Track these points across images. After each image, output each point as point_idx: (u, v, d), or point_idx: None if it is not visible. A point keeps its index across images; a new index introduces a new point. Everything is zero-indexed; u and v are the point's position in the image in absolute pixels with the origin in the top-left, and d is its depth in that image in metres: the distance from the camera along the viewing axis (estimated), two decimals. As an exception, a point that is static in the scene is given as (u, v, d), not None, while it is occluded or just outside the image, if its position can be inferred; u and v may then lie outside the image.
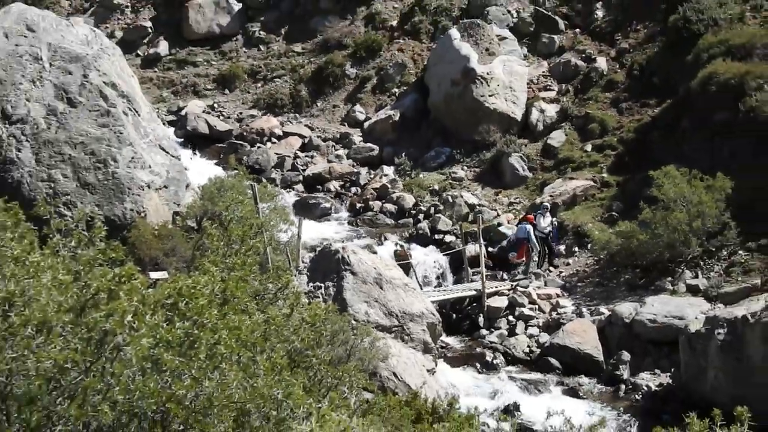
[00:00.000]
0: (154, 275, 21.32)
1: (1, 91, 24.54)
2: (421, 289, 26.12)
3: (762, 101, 26.92)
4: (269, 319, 5.69)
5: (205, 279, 5.19)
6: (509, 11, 34.27)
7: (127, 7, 38.42)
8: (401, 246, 28.50)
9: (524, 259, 27.57)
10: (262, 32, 37.16)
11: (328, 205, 31.13)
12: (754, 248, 25.67)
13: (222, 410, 4.67)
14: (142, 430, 4.58)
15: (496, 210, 29.60)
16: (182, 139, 32.26)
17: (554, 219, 27.88)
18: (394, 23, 35.65)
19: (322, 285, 23.81)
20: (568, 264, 27.99)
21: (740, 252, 25.75)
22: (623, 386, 23.57)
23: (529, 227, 27.32)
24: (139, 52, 36.46)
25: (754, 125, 26.97)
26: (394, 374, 20.47)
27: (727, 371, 21.89)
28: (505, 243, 28.12)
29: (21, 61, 25.06)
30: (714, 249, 25.94)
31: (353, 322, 21.21)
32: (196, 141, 33.27)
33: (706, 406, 21.40)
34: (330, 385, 8.90)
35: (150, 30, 37.71)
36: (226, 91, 35.85)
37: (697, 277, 25.76)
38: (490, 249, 27.87)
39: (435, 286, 27.25)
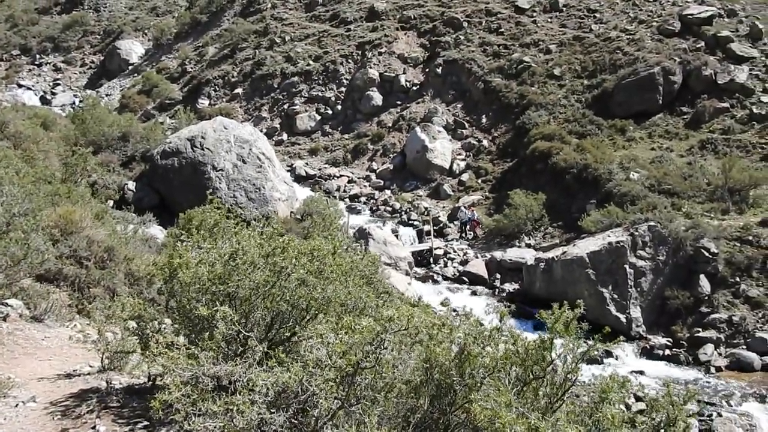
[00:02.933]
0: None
1: (213, 156, 24.52)
2: (404, 245, 26.04)
3: (558, 161, 26.87)
4: (353, 260, 5.62)
5: (323, 242, 5.12)
6: (443, 119, 34.02)
7: (268, 119, 38.19)
8: (395, 226, 28.43)
9: (477, 229, 27.34)
10: (329, 129, 36.90)
11: (360, 208, 31.04)
12: (555, 227, 25.70)
13: (335, 304, 4.63)
14: (298, 313, 4.53)
15: (437, 210, 29.41)
16: (293, 178, 32.00)
17: (474, 212, 27.70)
18: (390, 124, 35.37)
19: (359, 244, 23.75)
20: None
21: (549, 228, 25.71)
22: (497, 290, 23.55)
23: (475, 213, 27.32)
24: (273, 138, 36.18)
25: (554, 170, 26.96)
26: (393, 285, 20.40)
27: (545, 282, 21.88)
28: (459, 222, 27.80)
29: (221, 142, 25.05)
30: (537, 227, 25.86)
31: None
32: (300, 179, 33.13)
33: (534, 298, 21.28)
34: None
35: (278, 128, 37.53)
36: (313, 156, 35.63)
37: (530, 239, 25.69)
38: (434, 227, 27.68)
39: (410, 244, 27.01)
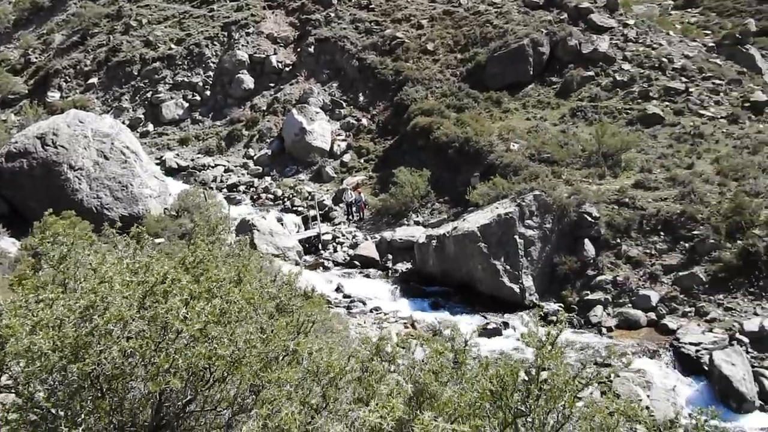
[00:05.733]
0: (157, 241, 19.37)
1: (69, 154, 21.78)
2: (290, 234, 24.69)
3: (439, 136, 26.51)
4: (264, 285, 4.34)
5: (224, 270, 3.75)
6: (320, 99, 32.72)
7: (129, 109, 35.01)
8: (278, 214, 26.96)
9: (364, 211, 26.39)
10: (199, 116, 34.46)
11: (239, 198, 29.22)
12: (442, 202, 25.37)
13: (250, 358, 3.18)
14: (197, 379, 3.12)
15: (321, 193, 28.21)
16: (164, 172, 29.43)
17: (360, 193, 26.85)
18: (264, 108, 33.57)
19: (243, 237, 22.16)
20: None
21: (436, 204, 25.34)
22: (390, 271, 22.85)
23: (361, 194, 26.46)
24: (138, 130, 33.22)
25: (436, 146, 26.59)
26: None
27: (438, 259, 21.41)
28: (345, 204, 26.80)
29: (77, 138, 22.33)
30: (425, 204, 25.41)
31: (261, 254, 19.79)
32: (172, 172, 30.67)
33: (428, 276, 20.72)
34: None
35: (142, 119, 34.52)
36: (184, 147, 33.15)
37: (418, 217, 25.19)
38: (320, 212, 26.48)
39: (297, 231, 25.68)
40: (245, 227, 22.83)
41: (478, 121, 26.86)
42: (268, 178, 30.32)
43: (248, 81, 34.62)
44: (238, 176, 30.93)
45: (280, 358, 3.22)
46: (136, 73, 36.31)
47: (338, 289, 21.54)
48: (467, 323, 19.47)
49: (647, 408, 14.42)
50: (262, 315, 3.74)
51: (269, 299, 4.24)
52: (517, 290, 19.99)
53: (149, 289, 3.12)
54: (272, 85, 34.49)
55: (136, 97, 35.54)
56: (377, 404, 2.49)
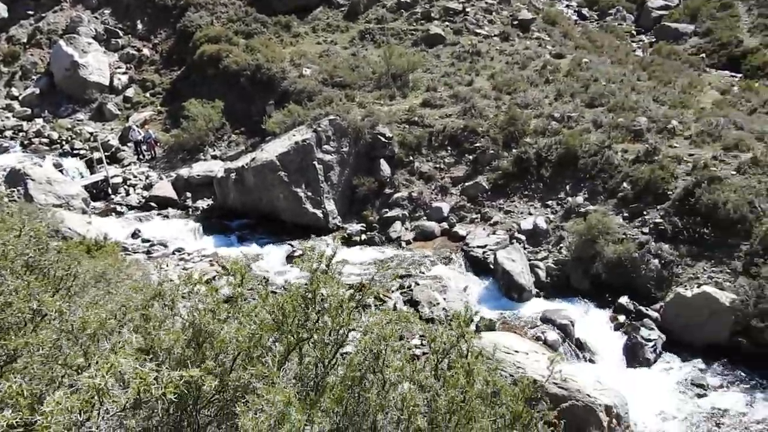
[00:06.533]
0: None
1: None
2: (73, 180, 22.54)
3: (229, 64, 25.45)
4: (5, 242, 3.78)
5: None
6: (91, 29, 29.40)
7: None
8: (57, 159, 24.37)
9: (155, 149, 24.69)
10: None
11: (6, 145, 25.82)
12: (238, 133, 24.67)
13: None
14: None
15: (105, 133, 25.93)
16: None
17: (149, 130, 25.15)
18: (25, 40, 29.51)
19: (15, 189, 19.88)
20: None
21: (233, 136, 24.58)
22: (190, 209, 21.96)
23: (150, 131, 24.73)
24: None
25: (227, 74, 25.56)
26: (69, 228, 17.51)
27: (238, 192, 21.03)
28: (132, 143, 24.97)
29: None
30: (220, 136, 24.52)
31: (39, 205, 18.01)
32: None
33: (231, 210, 20.27)
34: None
35: None
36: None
37: (215, 150, 24.26)
38: (105, 153, 24.42)
39: (81, 177, 23.49)
40: (17, 178, 20.39)
41: (268, 47, 26.12)
42: (39, 120, 27.08)
43: (-1, 8, 30.07)
44: (2, 120, 27.23)
45: (34, 320, 2.90)
46: None
47: (135, 235, 20.31)
48: (274, 253, 19.61)
49: (444, 309, 15.76)
50: (7, 276, 3.33)
51: (15, 257, 3.78)
52: (321, 215, 20.35)
53: None
54: (31, 13, 30.30)
55: None
56: (99, 363, 2.35)
